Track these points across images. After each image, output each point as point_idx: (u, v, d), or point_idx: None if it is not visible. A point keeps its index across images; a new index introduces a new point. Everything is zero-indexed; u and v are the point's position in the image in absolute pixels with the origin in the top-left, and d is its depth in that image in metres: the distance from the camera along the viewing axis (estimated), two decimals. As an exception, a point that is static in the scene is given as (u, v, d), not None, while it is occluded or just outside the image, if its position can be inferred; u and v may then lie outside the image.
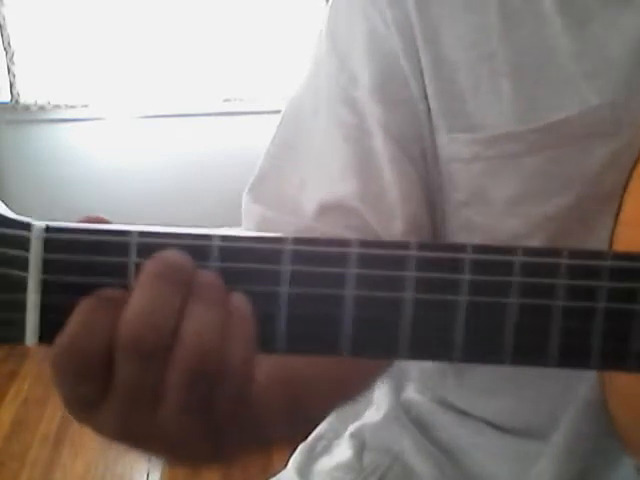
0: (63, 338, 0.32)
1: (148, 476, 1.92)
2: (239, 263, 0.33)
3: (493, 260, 0.33)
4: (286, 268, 0.33)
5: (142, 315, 0.31)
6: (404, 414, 0.65)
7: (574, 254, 0.33)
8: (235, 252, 0.33)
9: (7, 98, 2.68)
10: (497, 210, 0.51)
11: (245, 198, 0.56)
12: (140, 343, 0.31)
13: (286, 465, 0.68)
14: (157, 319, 0.31)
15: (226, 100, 2.81)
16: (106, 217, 0.34)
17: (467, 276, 0.33)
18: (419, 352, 0.34)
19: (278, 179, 0.55)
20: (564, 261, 0.33)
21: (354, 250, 0.33)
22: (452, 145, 0.51)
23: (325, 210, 0.52)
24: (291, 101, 0.57)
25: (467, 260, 0.33)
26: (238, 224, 0.58)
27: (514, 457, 0.58)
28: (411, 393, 0.66)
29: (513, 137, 0.49)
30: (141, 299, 0.32)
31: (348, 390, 0.54)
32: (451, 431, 0.62)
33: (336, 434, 0.68)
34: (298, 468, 0.66)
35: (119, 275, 0.33)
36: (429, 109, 0.51)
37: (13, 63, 2.62)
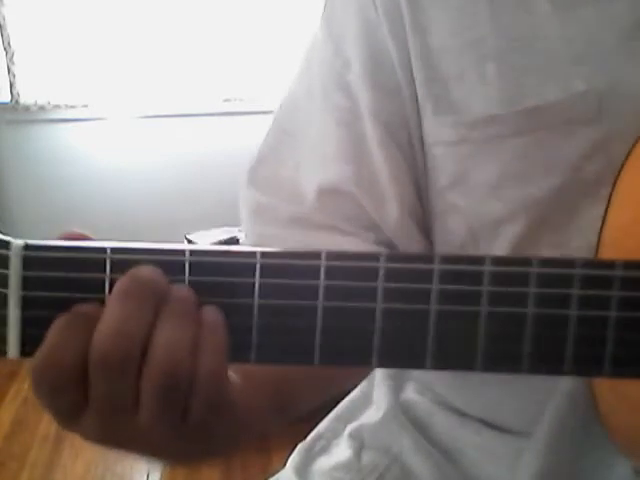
0: (39, 354, 0.33)
1: (148, 476, 1.92)
2: (210, 277, 0.34)
3: (462, 270, 0.34)
4: (256, 280, 0.34)
5: (111, 331, 0.32)
6: (403, 414, 0.65)
7: (545, 263, 0.34)
8: (206, 266, 0.34)
9: (7, 98, 2.68)
10: (480, 193, 0.51)
11: (243, 181, 0.57)
12: (109, 358, 0.32)
13: (285, 465, 0.68)
14: (125, 334, 0.32)
15: (226, 100, 2.81)
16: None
17: (436, 286, 0.34)
18: (392, 361, 0.35)
19: (275, 163, 0.56)
20: (534, 270, 0.34)
21: (323, 263, 0.34)
22: (437, 128, 0.51)
23: (322, 195, 0.53)
24: (289, 88, 0.59)
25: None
26: (238, 224, 0.59)
27: (510, 455, 0.58)
28: (410, 393, 0.66)
29: (497, 119, 0.49)
30: (111, 315, 0.33)
31: (334, 383, 0.55)
32: (450, 431, 0.62)
33: (335, 434, 0.68)
34: (297, 468, 0.66)
35: (95, 291, 0.34)
36: (416, 95, 0.52)
37: (13, 63, 2.62)
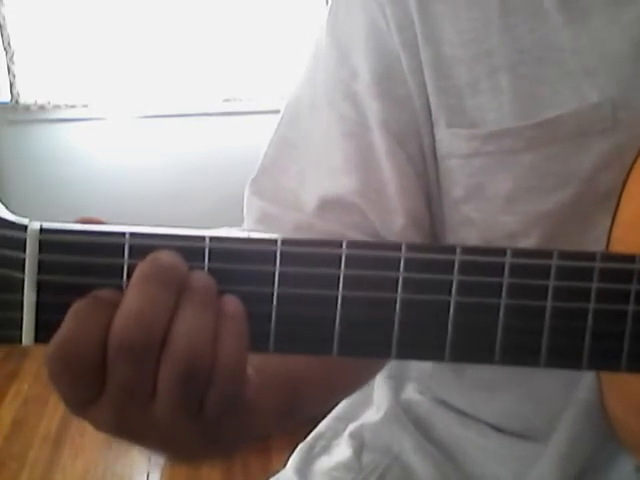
0: (57, 339, 0.32)
1: (148, 476, 1.92)
2: (230, 264, 0.34)
3: (484, 262, 0.33)
4: (276, 269, 0.33)
5: (133, 316, 0.32)
6: (404, 414, 0.65)
7: (564, 255, 0.33)
8: (226, 253, 0.34)
9: (7, 98, 2.68)
10: (494, 206, 0.51)
11: (246, 192, 0.57)
12: (130, 344, 0.32)
13: (285, 465, 0.68)
14: (147, 320, 0.32)
15: (226, 100, 2.82)
16: (103, 217, 0.35)
17: (457, 277, 0.33)
18: (411, 352, 0.34)
19: (278, 173, 0.56)
20: (554, 262, 0.33)
21: (344, 251, 0.33)
22: (451, 140, 0.51)
23: (325, 205, 0.53)
24: (291, 96, 0.58)
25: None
26: (238, 224, 0.58)
27: (514, 458, 0.58)
28: (411, 393, 0.66)
29: (511, 133, 0.49)
30: (132, 301, 0.32)
31: (342, 386, 0.54)
32: (451, 431, 0.62)
33: (335, 434, 0.68)
34: (297, 468, 0.66)
35: (112, 276, 0.33)
36: (428, 105, 0.51)
37: (13, 63, 2.62)
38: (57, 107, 2.73)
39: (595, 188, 0.48)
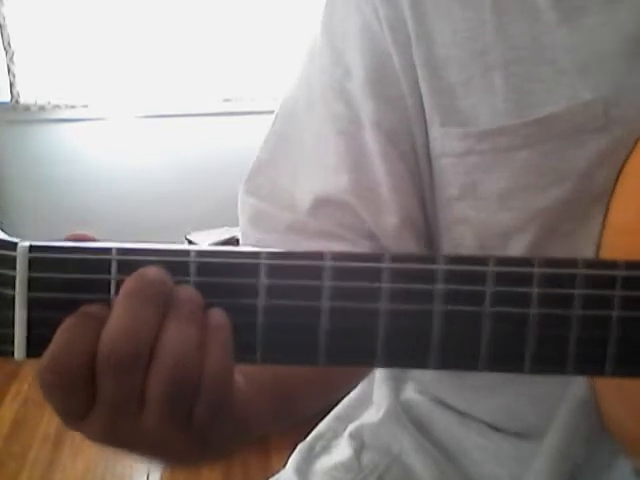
0: (47, 354, 0.33)
1: (148, 476, 1.92)
2: (216, 277, 0.34)
3: (467, 270, 0.34)
4: (261, 281, 0.34)
5: (119, 332, 0.33)
6: (403, 414, 0.65)
7: (548, 263, 0.34)
8: (212, 267, 0.34)
9: (7, 98, 2.68)
10: (489, 204, 0.51)
11: (240, 191, 0.57)
12: (118, 357, 0.33)
13: (285, 465, 0.68)
14: (134, 334, 0.33)
15: (226, 100, 2.81)
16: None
17: (440, 286, 0.34)
18: (396, 361, 0.35)
19: (272, 172, 0.56)
20: (536, 270, 0.34)
21: (328, 263, 0.34)
22: (444, 139, 0.51)
23: (318, 205, 0.53)
24: (286, 95, 0.58)
25: (440, 270, 0.34)
26: (238, 224, 0.59)
27: (512, 457, 0.58)
28: (410, 393, 0.66)
29: (505, 131, 0.49)
30: (119, 316, 0.33)
31: (334, 387, 0.55)
32: (450, 431, 0.62)
33: (335, 434, 0.68)
34: (297, 468, 0.66)
35: (101, 291, 0.34)
36: (422, 105, 0.51)
37: (13, 63, 2.62)
38: (57, 107, 2.73)
39: (590, 184, 0.48)
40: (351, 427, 0.67)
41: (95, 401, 0.34)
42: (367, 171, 0.53)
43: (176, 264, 0.34)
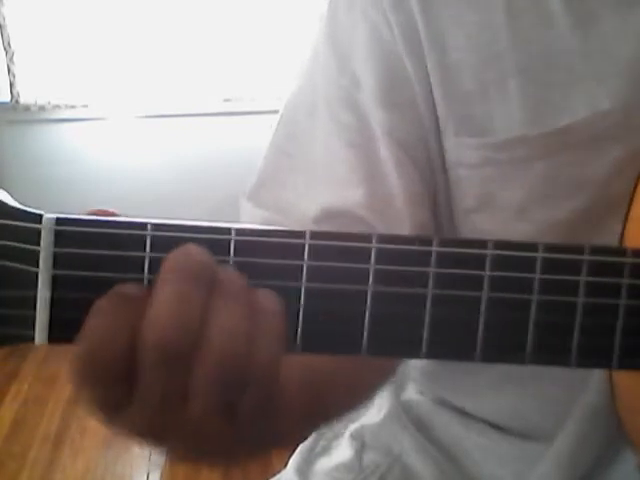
0: (83, 341, 0.30)
1: (148, 476, 1.92)
2: (257, 257, 0.32)
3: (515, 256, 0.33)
4: (304, 263, 0.32)
5: (166, 316, 0.30)
6: (404, 414, 0.65)
7: (595, 251, 0.33)
8: (252, 246, 0.32)
9: (7, 98, 2.68)
10: (506, 216, 0.50)
11: (245, 205, 0.55)
12: (167, 346, 0.30)
13: (286, 465, 0.68)
14: (183, 320, 0.30)
15: (226, 100, 2.81)
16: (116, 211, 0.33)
17: (487, 272, 0.32)
18: (440, 352, 0.33)
19: (277, 184, 0.54)
20: (586, 258, 0.33)
21: (374, 245, 0.32)
22: (459, 149, 0.50)
23: (329, 216, 0.51)
24: (287, 103, 0.56)
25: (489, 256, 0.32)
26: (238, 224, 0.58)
27: (515, 458, 0.58)
28: (411, 393, 0.66)
29: (524, 141, 0.48)
30: (164, 299, 0.30)
31: (365, 387, 0.53)
32: (451, 431, 0.62)
33: (336, 434, 0.68)
34: (298, 468, 0.66)
35: (133, 270, 0.31)
36: (436, 113, 0.50)
37: (13, 63, 2.62)
38: (57, 107, 2.73)
39: (608, 193, 0.47)
40: (352, 427, 0.67)
41: (135, 391, 0.31)
42: (381, 183, 0.51)
43: (215, 242, 0.31)
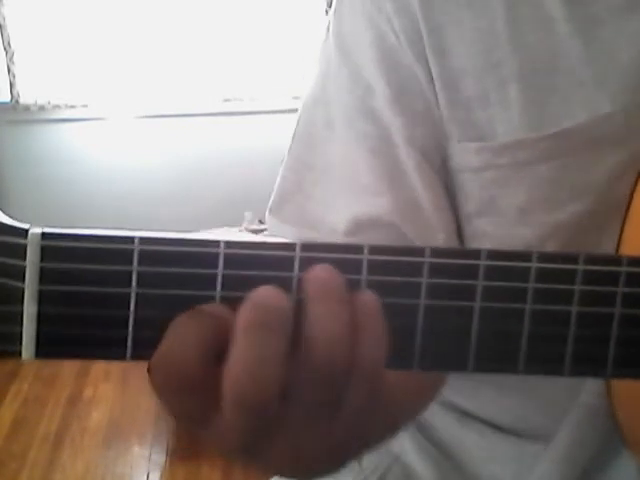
0: (158, 354, 0.30)
1: (148, 476, 1.92)
2: (246, 270, 0.31)
3: (509, 266, 0.33)
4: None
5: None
6: (404, 414, 0.65)
7: (590, 260, 0.33)
8: (241, 259, 0.31)
9: (7, 98, 2.68)
10: (508, 219, 0.50)
11: (271, 221, 0.55)
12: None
13: (286, 465, 0.68)
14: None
15: (226, 100, 2.81)
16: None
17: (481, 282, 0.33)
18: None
19: (300, 199, 0.54)
20: (580, 267, 0.33)
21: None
22: (462, 154, 0.50)
23: (359, 227, 0.51)
24: (302, 116, 0.55)
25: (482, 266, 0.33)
26: (238, 224, 0.58)
27: (514, 458, 0.58)
28: (411, 393, 0.66)
29: (524, 145, 0.48)
30: (245, 352, 0.29)
31: (426, 399, 0.53)
32: (452, 432, 0.62)
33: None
34: (298, 468, 0.66)
35: (120, 284, 0.31)
36: (442, 118, 0.50)
37: (13, 63, 2.62)
38: (57, 107, 2.73)
39: (610, 196, 0.48)
40: (352, 427, 0.67)
41: (220, 405, 0.30)
42: (406, 188, 0.50)
43: (204, 255, 0.31)
